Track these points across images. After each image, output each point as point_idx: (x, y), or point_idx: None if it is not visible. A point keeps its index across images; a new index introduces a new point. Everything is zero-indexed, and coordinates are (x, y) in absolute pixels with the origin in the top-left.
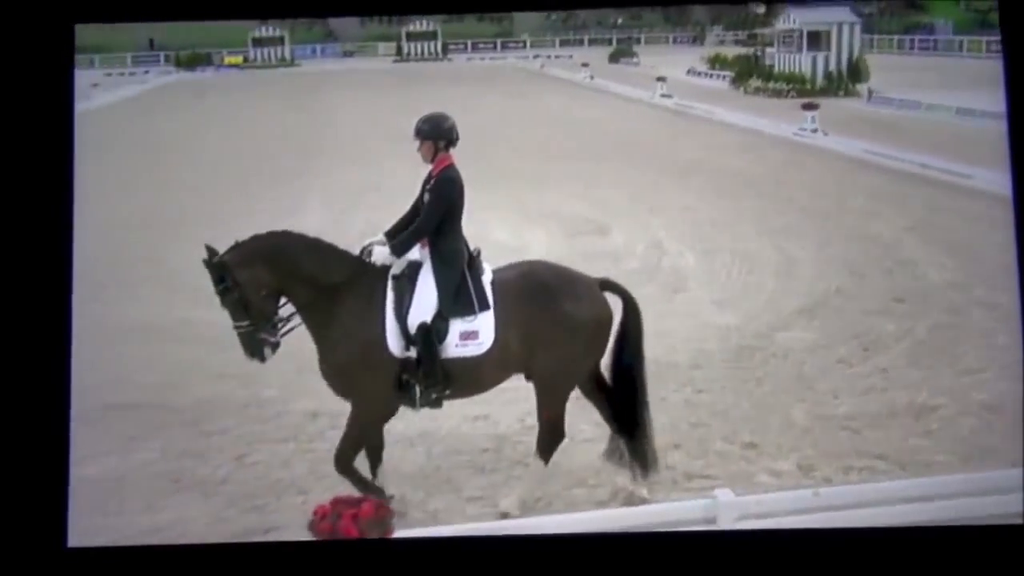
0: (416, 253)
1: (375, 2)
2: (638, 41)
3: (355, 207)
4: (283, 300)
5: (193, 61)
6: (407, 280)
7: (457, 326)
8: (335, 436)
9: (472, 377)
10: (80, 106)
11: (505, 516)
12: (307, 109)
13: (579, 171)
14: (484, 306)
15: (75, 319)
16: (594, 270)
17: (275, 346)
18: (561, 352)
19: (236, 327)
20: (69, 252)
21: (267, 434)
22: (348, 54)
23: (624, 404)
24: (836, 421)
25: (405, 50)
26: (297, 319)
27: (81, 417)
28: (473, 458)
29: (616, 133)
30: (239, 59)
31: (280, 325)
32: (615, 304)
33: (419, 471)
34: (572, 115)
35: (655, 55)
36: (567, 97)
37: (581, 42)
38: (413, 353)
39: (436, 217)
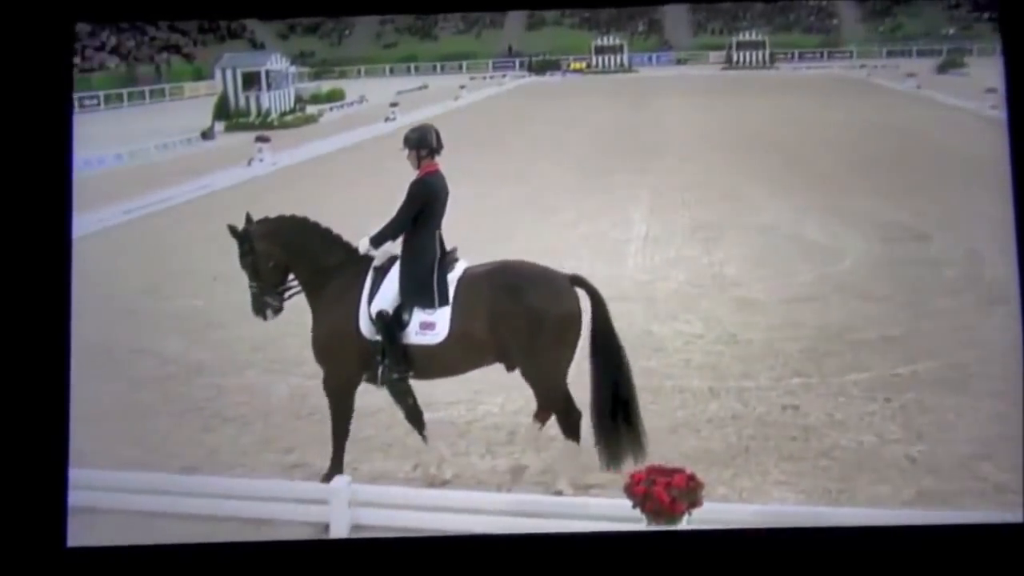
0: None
1: (383, 2)
2: (969, 52)
3: (681, 204)
4: (291, 276)
5: (543, 66)
6: (384, 271)
7: (419, 316)
8: (655, 409)
9: (432, 363)
10: (451, 104)
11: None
12: (641, 112)
13: (898, 179)
14: (444, 301)
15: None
16: (911, 277)
17: (277, 309)
18: (532, 345)
19: (249, 286)
20: (69, 252)
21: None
22: (681, 62)
23: (609, 390)
24: None
25: (734, 58)
26: (298, 290)
27: None
28: (780, 444)
29: (940, 143)
30: (582, 65)
31: (284, 293)
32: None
33: (727, 450)
34: (894, 124)
35: (987, 67)
36: (891, 106)
37: (908, 52)
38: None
39: (405, 216)
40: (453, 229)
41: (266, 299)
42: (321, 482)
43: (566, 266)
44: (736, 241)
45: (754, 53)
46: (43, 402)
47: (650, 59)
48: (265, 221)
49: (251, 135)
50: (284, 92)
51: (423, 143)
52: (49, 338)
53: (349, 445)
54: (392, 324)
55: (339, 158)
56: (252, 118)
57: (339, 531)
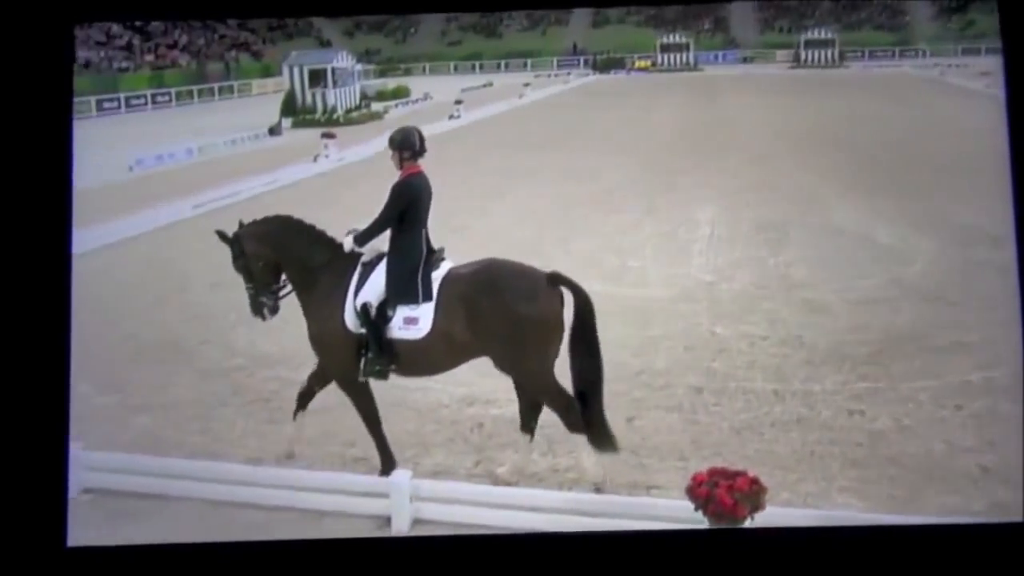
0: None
1: (381, 2)
2: None
3: (746, 204)
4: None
5: (608, 64)
6: (372, 266)
7: (402, 311)
8: (718, 411)
9: (415, 357)
10: (515, 102)
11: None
12: (707, 110)
13: (972, 181)
14: (427, 297)
15: None
16: (984, 281)
17: (273, 309)
18: (512, 342)
19: (246, 288)
20: (68, 251)
21: (655, 401)
22: (747, 60)
23: (587, 387)
24: None
25: (802, 57)
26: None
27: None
28: (845, 450)
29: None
30: (648, 63)
31: (278, 292)
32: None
33: (791, 454)
34: (967, 124)
35: None
36: (964, 106)
37: (978, 51)
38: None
39: (387, 216)
40: (516, 227)
41: (261, 299)
42: (380, 475)
43: (629, 265)
44: (803, 242)
45: (823, 51)
46: (43, 402)
47: (716, 57)
48: (253, 224)
49: (317, 131)
50: (350, 89)
51: (406, 144)
52: (48, 339)
53: (410, 439)
54: (376, 318)
55: None
56: (318, 115)
57: (400, 525)
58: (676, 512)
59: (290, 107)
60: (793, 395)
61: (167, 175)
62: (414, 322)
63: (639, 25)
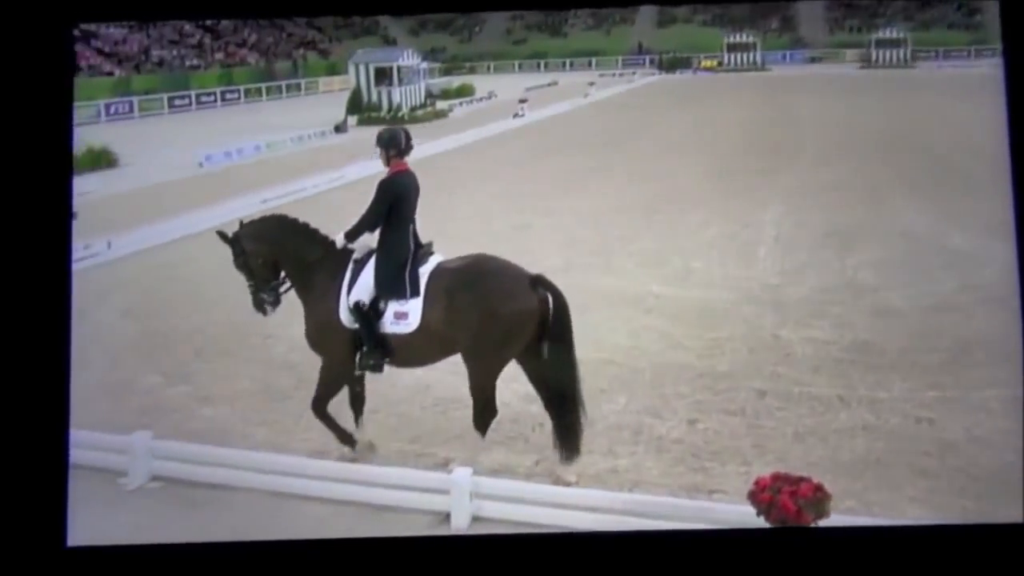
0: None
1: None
2: None
3: (813, 206)
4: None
5: (674, 64)
6: (363, 263)
7: (393, 307)
8: (782, 416)
9: (407, 351)
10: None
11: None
12: (774, 111)
13: None
14: (415, 292)
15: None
16: None
17: (274, 304)
18: (480, 336)
19: (247, 285)
20: (68, 249)
21: (718, 404)
22: (815, 60)
23: (556, 391)
24: None
25: (873, 57)
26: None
27: None
28: (914, 459)
29: None
30: (714, 63)
31: (278, 289)
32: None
33: (857, 462)
34: None
35: None
36: None
37: None
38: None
39: (374, 213)
40: (578, 226)
41: (262, 296)
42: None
43: (693, 267)
44: (872, 246)
45: (894, 51)
46: (43, 400)
47: (783, 57)
48: (252, 223)
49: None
50: (415, 87)
51: (392, 143)
52: (49, 338)
53: (471, 437)
54: (368, 314)
55: (467, 153)
56: (383, 112)
57: (459, 522)
58: (737, 517)
59: (356, 105)
60: (859, 402)
61: (236, 171)
62: (404, 317)
63: (705, 24)
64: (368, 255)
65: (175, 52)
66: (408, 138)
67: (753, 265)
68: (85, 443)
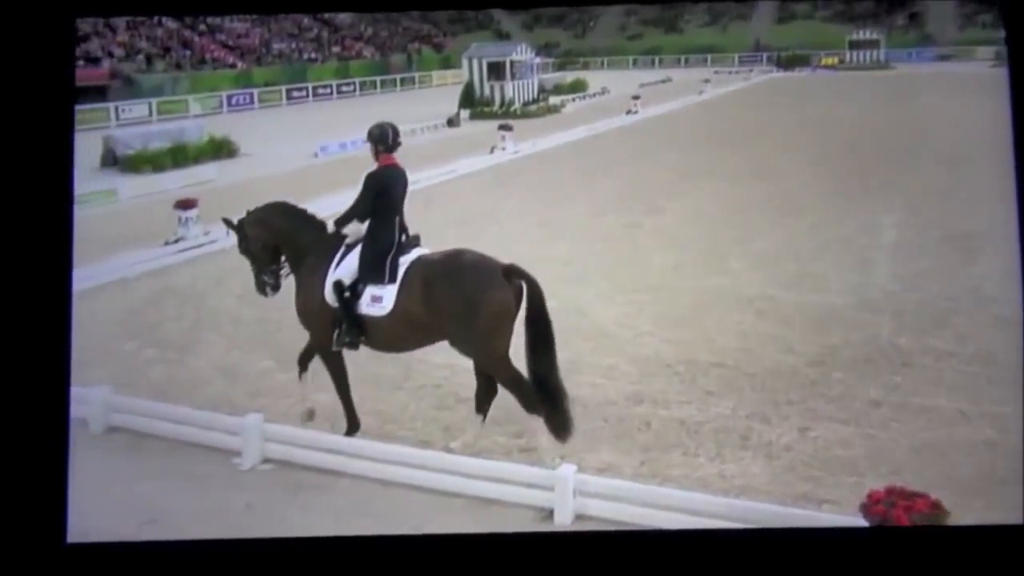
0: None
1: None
2: None
3: (936, 210)
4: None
5: (792, 61)
6: (352, 249)
7: (370, 290)
8: (898, 428)
9: (380, 333)
10: (693, 99)
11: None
12: (897, 111)
13: None
14: (392, 279)
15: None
16: None
17: (274, 287)
18: (467, 325)
19: (251, 268)
20: (69, 247)
21: (830, 413)
22: (944, 58)
23: (540, 375)
24: None
25: (1007, 53)
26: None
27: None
28: None
29: None
30: (835, 60)
31: (278, 272)
32: None
33: (978, 479)
34: None
35: None
36: None
37: None
38: None
39: (360, 203)
40: (690, 226)
41: (263, 278)
42: (345, 435)
43: (808, 270)
44: (999, 253)
45: None
46: (42, 399)
47: (909, 55)
48: (255, 210)
49: (494, 123)
50: (528, 82)
51: (380, 139)
52: (49, 330)
53: (577, 434)
54: (347, 294)
55: (579, 149)
56: (496, 107)
57: (562, 519)
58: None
59: (468, 99)
60: (982, 417)
61: (350, 162)
62: (379, 300)
63: (826, 20)
64: (358, 241)
65: (294, 45)
66: (396, 135)
67: (871, 270)
68: (201, 422)
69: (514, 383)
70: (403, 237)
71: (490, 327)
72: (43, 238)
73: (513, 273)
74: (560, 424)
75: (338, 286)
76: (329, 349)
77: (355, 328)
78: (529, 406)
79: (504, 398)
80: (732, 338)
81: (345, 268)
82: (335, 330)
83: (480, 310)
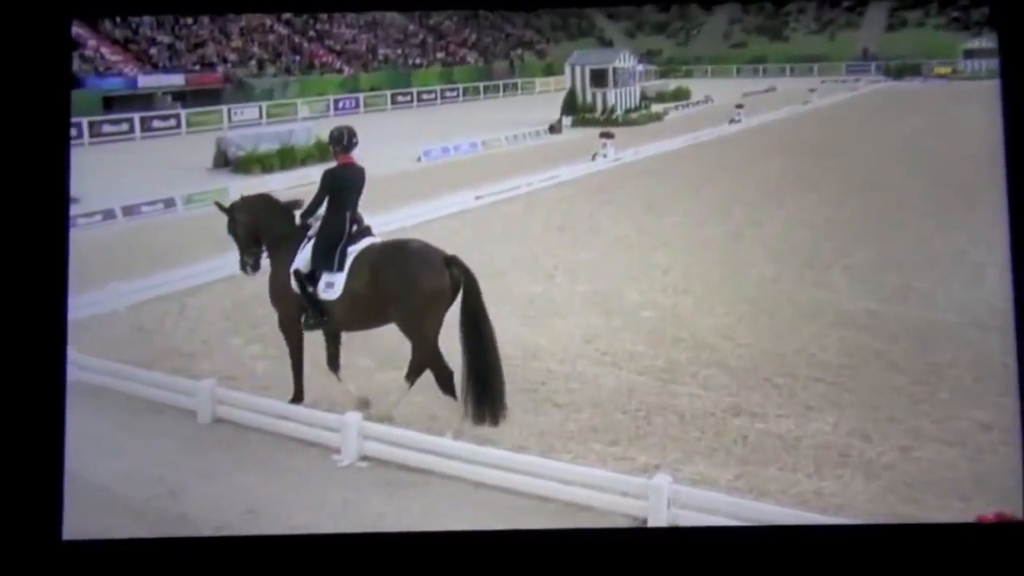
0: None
1: None
2: None
3: None
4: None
5: (903, 71)
6: (311, 239)
7: (325, 277)
8: (1007, 452)
9: (337, 315)
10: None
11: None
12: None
13: None
14: (340, 268)
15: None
16: None
17: (253, 268)
18: (405, 307)
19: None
20: (66, 245)
21: (935, 434)
22: None
23: (471, 360)
24: None
25: None
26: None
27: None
28: None
29: None
30: (948, 70)
31: (259, 255)
32: None
33: None
34: None
35: None
36: None
37: None
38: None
39: (316, 198)
40: (792, 236)
41: (244, 258)
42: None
43: (914, 284)
44: None
45: None
46: (39, 397)
47: None
48: (244, 199)
49: (596, 130)
50: (630, 89)
51: (337, 141)
52: (47, 328)
53: (673, 445)
54: (304, 281)
55: (681, 157)
56: (598, 114)
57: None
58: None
59: (571, 106)
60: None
61: (452, 167)
62: (332, 286)
63: (939, 28)
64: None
65: (399, 51)
66: (351, 136)
67: (981, 286)
68: (302, 418)
69: (431, 360)
70: (354, 228)
71: (423, 306)
72: (42, 238)
73: (453, 263)
74: (484, 411)
75: (297, 274)
76: (292, 327)
77: (316, 312)
78: (442, 386)
79: (604, 407)
80: (833, 353)
81: (303, 257)
82: (302, 313)
83: (416, 290)
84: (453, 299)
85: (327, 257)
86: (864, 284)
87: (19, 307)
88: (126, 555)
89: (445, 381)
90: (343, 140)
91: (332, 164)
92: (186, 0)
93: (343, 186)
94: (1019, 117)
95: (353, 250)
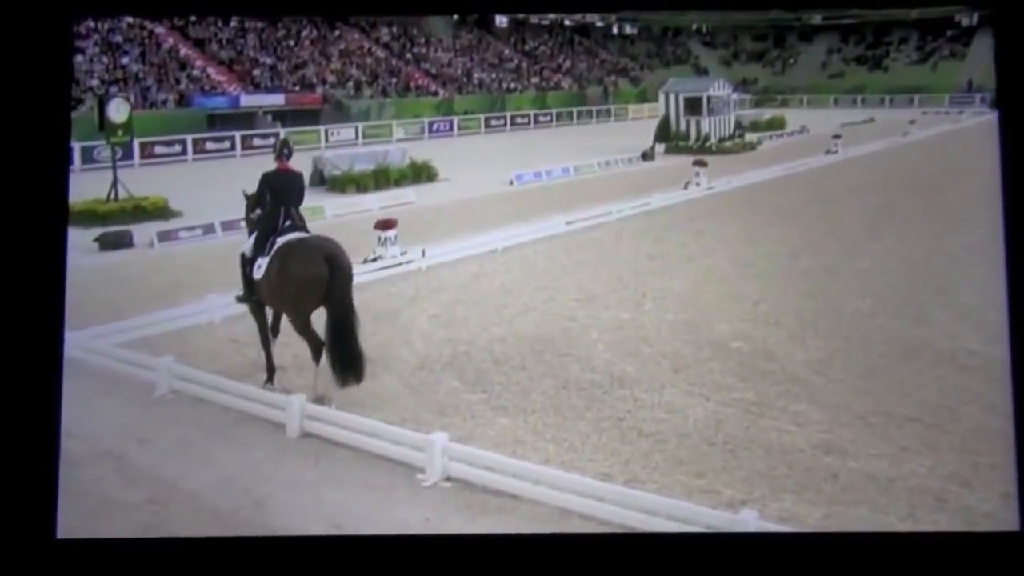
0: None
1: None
2: None
3: None
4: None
5: None
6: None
7: (258, 260)
8: None
9: (260, 292)
10: (897, 140)
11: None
12: None
13: None
14: (267, 253)
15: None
16: None
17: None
18: (282, 292)
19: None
20: (64, 244)
21: None
22: None
23: (332, 339)
24: None
25: None
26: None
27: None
28: None
29: None
30: None
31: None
32: None
33: None
34: None
35: None
36: None
37: None
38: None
39: (256, 195)
40: (888, 272)
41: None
42: (264, 384)
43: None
44: None
45: None
46: (36, 396)
47: None
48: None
49: (689, 158)
50: (724, 118)
51: (277, 149)
52: (44, 326)
53: (760, 480)
54: (247, 264)
55: (775, 187)
56: (691, 142)
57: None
58: None
59: (664, 133)
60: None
61: (543, 191)
62: (260, 268)
63: None
64: None
65: (494, 75)
66: (286, 146)
67: None
68: (389, 436)
69: (304, 334)
70: (287, 223)
71: (296, 292)
72: (40, 236)
73: (329, 260)
74: (343, 376)
75: (243, 257)
76: (254, 306)
77: (248, 288)
78: (313, 356)
79: (691, 438)
80: (931, 392)
81: (249, 244)
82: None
83: (292, 278)
84: (324, 288)
85: (261, 245)
86: (964, 323)
87: (16, 302)
88: (119, 554)
89: (315, 352)
90: (280, 150)
91: (427, 185)
92: (186, 0)
93: (278, 187)
94: None
95: (279, 241)
